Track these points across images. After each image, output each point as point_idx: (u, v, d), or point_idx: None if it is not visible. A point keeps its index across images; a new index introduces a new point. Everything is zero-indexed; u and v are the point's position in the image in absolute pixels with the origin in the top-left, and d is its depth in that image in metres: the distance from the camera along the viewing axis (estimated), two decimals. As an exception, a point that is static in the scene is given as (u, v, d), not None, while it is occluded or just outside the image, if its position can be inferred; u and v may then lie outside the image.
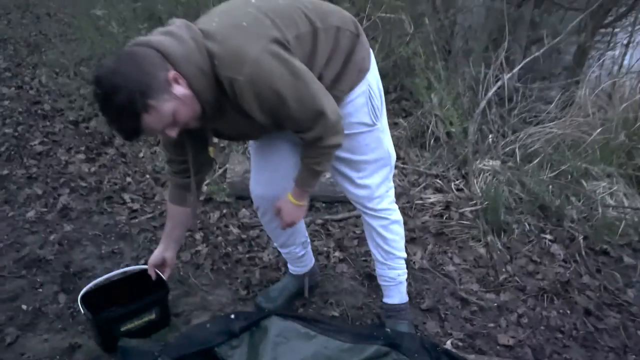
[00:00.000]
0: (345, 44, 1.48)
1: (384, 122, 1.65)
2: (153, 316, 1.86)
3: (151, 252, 2.32)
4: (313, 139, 1.42)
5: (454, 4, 4.26)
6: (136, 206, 2.74)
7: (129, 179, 2.99)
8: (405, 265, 1.90)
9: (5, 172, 3.01)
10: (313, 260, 2.09)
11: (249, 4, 1.40)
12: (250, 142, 1.79)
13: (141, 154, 3.27)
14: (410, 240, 2.44)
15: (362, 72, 1.53)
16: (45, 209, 2.71)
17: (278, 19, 1.37)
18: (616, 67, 3.10)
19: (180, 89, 1.28)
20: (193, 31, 1.31)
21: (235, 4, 1.43)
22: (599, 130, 2.77)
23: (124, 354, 1.65)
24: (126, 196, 2.83)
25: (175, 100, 1.27)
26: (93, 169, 3.12)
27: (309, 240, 2.02)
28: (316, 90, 1.37)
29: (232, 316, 1.68)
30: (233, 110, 1.38)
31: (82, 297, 1.81)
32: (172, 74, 1.26)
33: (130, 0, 4.31)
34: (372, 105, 1.57)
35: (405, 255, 1.89)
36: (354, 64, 1.50)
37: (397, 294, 1.93)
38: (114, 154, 3.29)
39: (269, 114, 1.36)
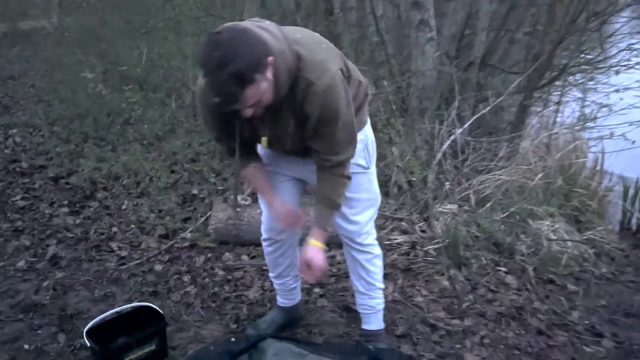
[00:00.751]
0: (360, 97, 1.77)
1: (374, 168, 1.94)
2: (153, 347, 2.02)
3: (142, 294, 2.51)
4: (335, 164, 1.65)
5: (409, 68, 4.73)
6: (124, 253, 2.90)
7: (114, 229, 3.15)
8: (382, 295, 2.15)
9: (-10, 226, 3.13)
10: (300, 295, 2.31)
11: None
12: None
13: (124, 206, 3.43)
14: (381, 276, 2.69)
15: (363, 123, 1.84)
16: (35, 259, 2.84)
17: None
18: (551, 122, 3.55)
19: (270, 76, 1.45)
20: (284, 34, 1.50)
21: (306, 31, 1.68)
22: (539, 176, 3.16)
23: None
24: (113, 245, 2.99)
25: (268, 83, 1.45)
26: (78, 221, 3.27)
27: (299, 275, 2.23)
28: (355, 122, 1.65)
29: (232, 339, 1.87)
30: (287, 111, 1.58)
31: (87, 332, 1.97)
32: (270, 59, 1.42)
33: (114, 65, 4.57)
34: (368, 152, 1.86)
35: (383, 286, 2.14)
36: (360, 116, 1.78)
37: (375, 321, 2.16)
38: (97, 207, 3.45)
39: (318, 125, 1.57)
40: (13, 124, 4.94)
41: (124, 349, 1.94)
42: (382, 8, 5.07)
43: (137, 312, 2.13)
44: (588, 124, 3.44)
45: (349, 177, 1.72)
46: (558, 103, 3.66)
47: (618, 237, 3.35)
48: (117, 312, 2.10)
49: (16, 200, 3.54)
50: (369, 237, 2.00)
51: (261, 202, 2.06)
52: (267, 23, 1.53)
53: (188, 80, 3.74)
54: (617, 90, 3.40)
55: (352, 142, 1.67)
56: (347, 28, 5.13)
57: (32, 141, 4.52)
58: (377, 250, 2.05)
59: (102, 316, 2.06)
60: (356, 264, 2.05)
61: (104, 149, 3.99)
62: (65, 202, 3.51)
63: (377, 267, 2.07)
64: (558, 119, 3.65)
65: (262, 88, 1.44)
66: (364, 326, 2.18)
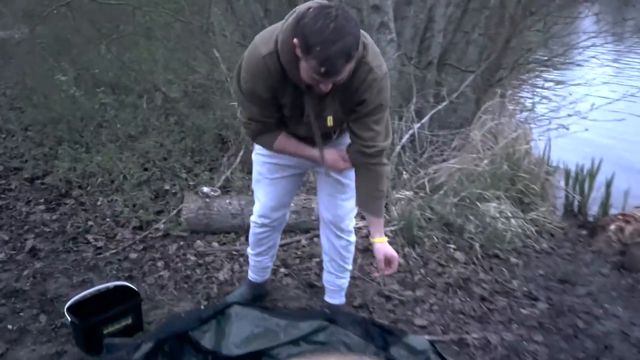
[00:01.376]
0: None
1: None
2: (130, 321, 2.20)
3: (118, 279, 2.69)
4: (380, 150, 1.81)
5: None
6: (100, 244, 3.07)
7: (90, 223, 3.31)
8: (349, 276, 2.38)
9: (-31, 224, 3.26)
10: (270, 273, 2.52)
11: None
12: (266, 175, 2.12)
13: (99, 202, 3.59)
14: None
15: None
16: (14, 251, 2.98)
17: None
18: (498, 113, 3.85)
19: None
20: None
21: None
22: (486, 162, 3.45)
23: (110, 348, 1.97)
24: (90, 237, 3.15)
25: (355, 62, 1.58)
26: (54, 217, 3.42)
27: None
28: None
29: (202, 307, 2.07)
30: (339, 94, 1.70)
31: (67, 309, 2.15)
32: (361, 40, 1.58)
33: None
34: None
35: (351, 268, 2.37)
36: None
37: (338, 297, 2.40)
38: (72, 203, 3.61)
39: (372, 111, 1.72)
40: (-14, 130, 5.03)
41: (102, 322, 2.12)
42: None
43: (115, 291, 2.31)
44: (533, 115, 3.73)
45: (387, 165, 1.87)
46: (502, 96, 3.95)
47: (561, 218, 3.66)
48: (96, 290, 2.28)
49: (-7, 201, 3.67)
50: (351, 223, 2.22)
51: (256, 189, 2.19)
52: None
53: (159, 83, 3.91)
54: (557, 83, 3.70)
55: (390, 131, 1.86)
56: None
57: (6, 145, 4.62)
58: (353, 238, 2.27)
59: (81, 294, 2.24)
60: (332, 249, 2.25)
61: (78, 151, 4.13)
62: (42, 200, 3.65)
63: (350, 253, 2.29)
64: (507, 112, 3.93)
65: (351, 68, 1.57)
66: (327, 298, 2.40)
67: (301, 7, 1.57)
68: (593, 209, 3.83)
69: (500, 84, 4.77)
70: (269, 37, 1.67)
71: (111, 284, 2.34)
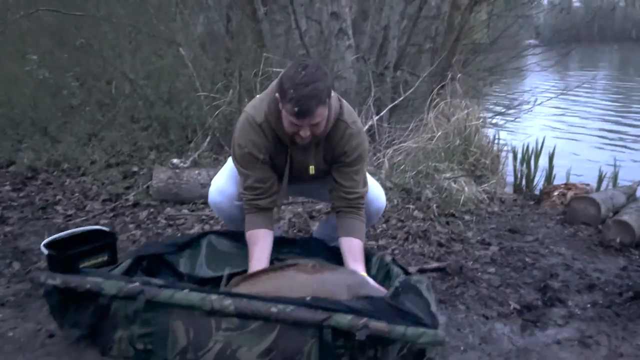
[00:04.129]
0: None
1: None
2: (105, 257, 2.26)
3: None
4: (361, 195, 2.02)
5: (330, 68, 5.26)
6: (70, 212, 3.12)
7: (59, 197, 3.36)
8: None
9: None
10: None
11: None
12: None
13: (67, 183, 3.64)
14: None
15: None
16: (-18, 221, 2.99)
17: None
18: (449, 96, 4.17)
19: (330, 105, 1.82)
20: None
21: None
22: (438, 135, 3.71)
23: (88, 273, 2.04)
24: (59, 208, 3.20)
25: (328, 111, 1.83)
26: (22, 194, 3.45)
27: None
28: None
29: (179, 235, 2.17)
30: (321, 148, 1.96)
31: (44, 245, 2.20)
32: (333, 93, 1.83)
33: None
34: None
35: None
36: None
37: None
38: (39, 184, 3.64)
39: (352, 162, 1.97)
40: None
41: (78, 255, 2.18)
42: (306, 23, 5.65)
43: (90, 235, 2.37)
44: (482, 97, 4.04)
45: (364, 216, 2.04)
46: (453, 79, 4.27)
47: (510, 192, 3.94)
48: (72, 233, 2.34)
49: (-45, 186, 3.65)
50: None
51: (227, 174, 2.20)
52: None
53: (126, 70, 4.04)
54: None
55: (367, 180, 2.07)
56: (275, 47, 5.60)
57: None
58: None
59: (57, 235, 2.30)
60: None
61: (45, 139, 4.17)
62: (7, 183, 3.66)
63: None
64: (458, 94, 4.25)
65: (325, 114, 1.80)
66: None
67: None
68: (538, 187, 4.15)
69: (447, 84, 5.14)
70: (259, 106, 1.95)
71: (86, 228, 2.40)
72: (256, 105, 1.97)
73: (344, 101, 1.99)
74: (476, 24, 5.22)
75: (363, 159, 2.04)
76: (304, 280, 1.85)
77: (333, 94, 1.88)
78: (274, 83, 1.91)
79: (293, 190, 2.24)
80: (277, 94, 1.82)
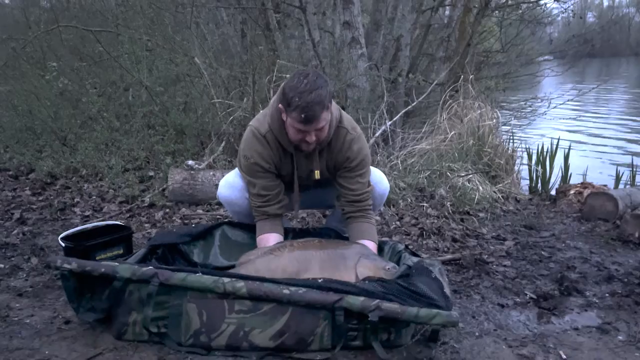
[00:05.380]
0: None
1: None
2: (121, 251, 2.30)
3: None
4: (368, 197, 2.08)
5: (343, 79, 5.30)
6: (87, 213, 3.17)
7: (77, 200, 3.41)
8: None
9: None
10: None
11: None
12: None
13: (84, 187, 3.70)
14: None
15: None
16: (1, 221, 3.05)
17: None
18: (461, 96, 4.17)
19: (332, 111, 1.91)
20: None
21: None
22: (451, 135, 3.71)
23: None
24: (76, 209, 3.25)
25: (331, 116, 1.90)
26: (41, 198, 3.51)
27: None
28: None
29: (193, 225, 2.19)
30: (324, 155, 2.03)
31: (61, 239, 2.24)
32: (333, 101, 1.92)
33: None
34: None
35: None
36: None
37: None
38: (58, 188, 3.70)
39: (353, 164, 2.02)
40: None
41: (94, 247, 2.22)
42: (319, 34, 5.74)
43: (106, 229, 2.41)
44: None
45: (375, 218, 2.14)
46: (466, 81, 4.27)
47: (525, 192, 3.90)
48: (89, 226, 2.38)
49: (-23, 192, 3.73)
50: None
51: (236, 172, 2.23)
52: None
53: (143, 78, 4.12)
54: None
55: (370, 184, 2.12)
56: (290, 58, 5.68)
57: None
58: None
59: (75, 229, 2.34)
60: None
61: (64, 148, 4.25)
62: (27, 189, 3.74)
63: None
64: (470, 95, 4.24)
65: (328, 118, 1.88)
66: None
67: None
68: (554, 188, 4.10)
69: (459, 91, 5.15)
70: (262, 119, 2.03)
71: (103, 222, 2.44)
72: (260, 119, 2.07)
73: (342, 110, 2.06)
74: (488, 28, 5.23)
75: (367, 163, 2.09)
76: (313, 252, 1.89)
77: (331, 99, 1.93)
78: (275, 97, 1.99)
79: (303, 199, 2.24)
80: (279, 105, 1.90)
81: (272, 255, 1.91)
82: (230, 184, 2.19)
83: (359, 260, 1.86)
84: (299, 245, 1.95)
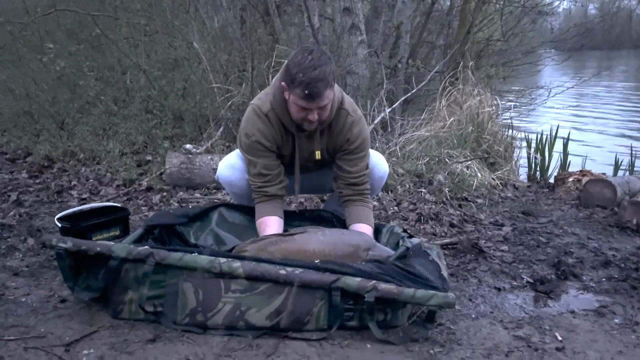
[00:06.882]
0: None
1: None
2: (117, 232, 2.30)
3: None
4: (367, 180, 2.07)
5: (342, 65, 5.26)
6: (84, 196, 3.16)
7: (74, 183, 3.40)
8: None
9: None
10: None
11: None
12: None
13: (82, 170, 3.69)
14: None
15: None
16: (-2, 203, 3.05)
17: None
18: (461, 83, 4.14)
19: (334, 91, 1.89)
20: None
21: None
22: (450, 121, 3.69)
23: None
24: (73, 192, 3.24)
25: (334, 95, 1.88)
26: (38, 181, 3.50)
27: None
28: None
29: (190, 207, 2.18)
30: (325, 136, 2.02)
31: (58, 219, 2.23)
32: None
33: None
34: None
35: None
36: None
37: None
38: (55, 171, 3.69)
39: (353, 146, 2.01)
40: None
41: (91, 228, 2.21)
42: (319, 21, 5.70)
43: (103, 210, 2.40)
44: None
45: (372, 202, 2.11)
46: (465, 67, 4.25)
47: (524, 179, 3.89)
48: (86, 208, 2.38)
49: (-24, 174, 3.72)
50: None
51: (236, 153, 2.20)
52: None
53: (141, 62, 4.09)
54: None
55: (369, 166, 2.11)
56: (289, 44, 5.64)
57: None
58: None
59: (72, 209, 2.33)
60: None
61: (61, 132, 4.23)
62: (24, 171, 3.72)
63: None
64: (470, 82, 4.22)
65: (331, 96, 1.86)
66: None
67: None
68: (552, 176, 4.09)
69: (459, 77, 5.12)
70: (264, 98, 2.01)
71: (100, 204, 2.44)
72: (262, 97, 2.04)
73: (343, 92, 2.05)
74: (489, 16, 5.19)
75: (366, 146, 2.07)
76: (313, 244, 1.85)
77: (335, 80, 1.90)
78: (278, 75, 1.96)
79: (303, 182, 2.21)
80: (282, 83, 1.87)
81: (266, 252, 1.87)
82: (230, 165, 2.17)
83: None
84: (293, 239, 1.89)
